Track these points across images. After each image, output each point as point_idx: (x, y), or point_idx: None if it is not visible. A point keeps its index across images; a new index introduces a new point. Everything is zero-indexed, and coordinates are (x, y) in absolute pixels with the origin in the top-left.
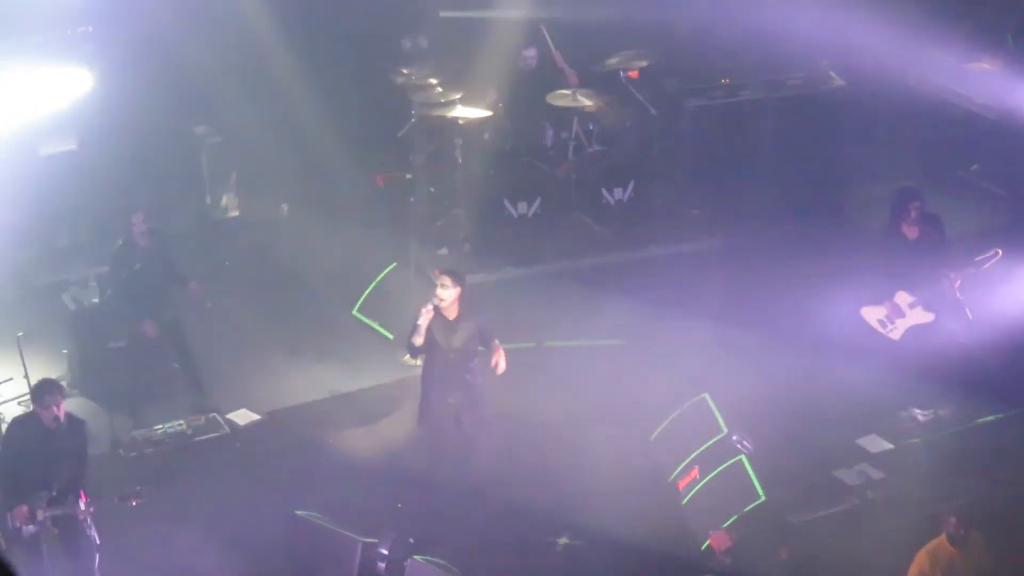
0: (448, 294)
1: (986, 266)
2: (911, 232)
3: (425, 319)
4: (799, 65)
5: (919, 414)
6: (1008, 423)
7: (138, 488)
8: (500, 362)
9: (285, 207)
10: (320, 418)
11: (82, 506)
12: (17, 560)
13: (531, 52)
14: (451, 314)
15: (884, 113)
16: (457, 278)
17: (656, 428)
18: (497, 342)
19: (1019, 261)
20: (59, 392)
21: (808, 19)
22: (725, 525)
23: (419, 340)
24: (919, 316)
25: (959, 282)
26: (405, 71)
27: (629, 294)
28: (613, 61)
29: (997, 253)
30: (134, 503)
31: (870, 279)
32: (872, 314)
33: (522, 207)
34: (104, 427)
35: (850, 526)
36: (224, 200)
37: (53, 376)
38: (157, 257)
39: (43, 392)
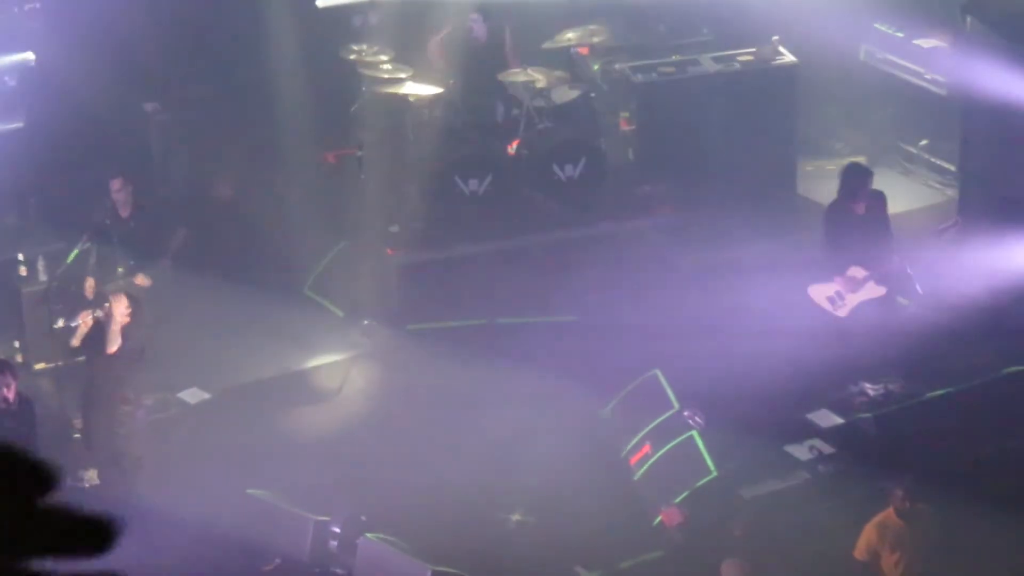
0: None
1: (947, 235)
2: (859, 208)
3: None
4: (749, 41)
5: (869, 388)
6: (958, 397)
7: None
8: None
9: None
10: (271, 396)
11: None
12: None
13: (476, 16)
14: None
15: (834, 88)
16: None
17: (608, 404)
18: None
19: (968, 236)
20: (11, 372)
21: None
22: (677, 501)
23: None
24: (871, 290)
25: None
26: (355, 47)
27: (581, 270)
28: (564, 37)
29: (957, 222)
30: (87, 485)
31: (819, 255)
32: (821, 291)
33: (473, 184)
34: (55, 408)
35: (801, 501)
36: (173, 178)
37: (1, 356)
38: (140, 230)
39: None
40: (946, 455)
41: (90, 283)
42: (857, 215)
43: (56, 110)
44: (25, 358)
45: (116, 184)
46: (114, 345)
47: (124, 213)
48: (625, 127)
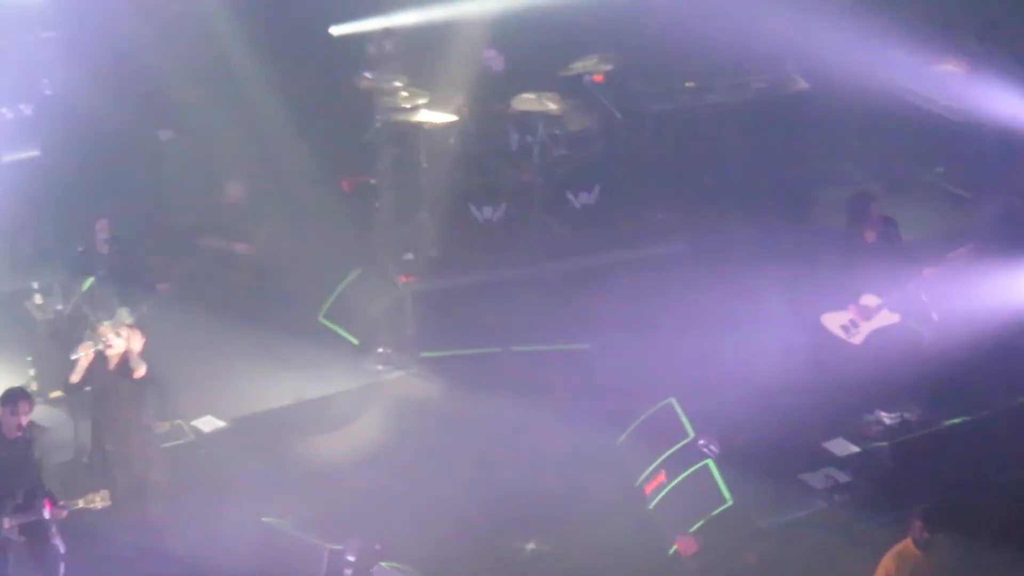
0: (120, 343)
1: (960, 262)
2: (869, 235)
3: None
4: (763, 68)
5: (885, 417)
6: (974, 425)
7: (102, 492)
8: None
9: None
10: (286, 424)
11: (47, 514)
12: None
13: (491, 53)
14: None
15: (848, 116)
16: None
17: (623, 432)
18: None
19: (984, 264)
20: (30, 400)
21: (772, 21)
22: (692, 530)
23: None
24: (885, 318)
25: (933, 273)
26: (369, 75)
27: (595, 299)
28: (578, 65)
29: (972, 248)
30: (99, 506)
31: (831, 283)
32: (834, 320)
33: (487, 211)
34: (69, 435)
35: (817, 530)
36: (188, 205)
37: (17, 384)
38: (119, 264)
39: (17, 398)
40: (963, 484)
41: (103, 328)
42: (867, 242)
43: (71, 138)
44: (40, 386)
45: (101, 225)
46: (141, 369)
47: (104, 251)
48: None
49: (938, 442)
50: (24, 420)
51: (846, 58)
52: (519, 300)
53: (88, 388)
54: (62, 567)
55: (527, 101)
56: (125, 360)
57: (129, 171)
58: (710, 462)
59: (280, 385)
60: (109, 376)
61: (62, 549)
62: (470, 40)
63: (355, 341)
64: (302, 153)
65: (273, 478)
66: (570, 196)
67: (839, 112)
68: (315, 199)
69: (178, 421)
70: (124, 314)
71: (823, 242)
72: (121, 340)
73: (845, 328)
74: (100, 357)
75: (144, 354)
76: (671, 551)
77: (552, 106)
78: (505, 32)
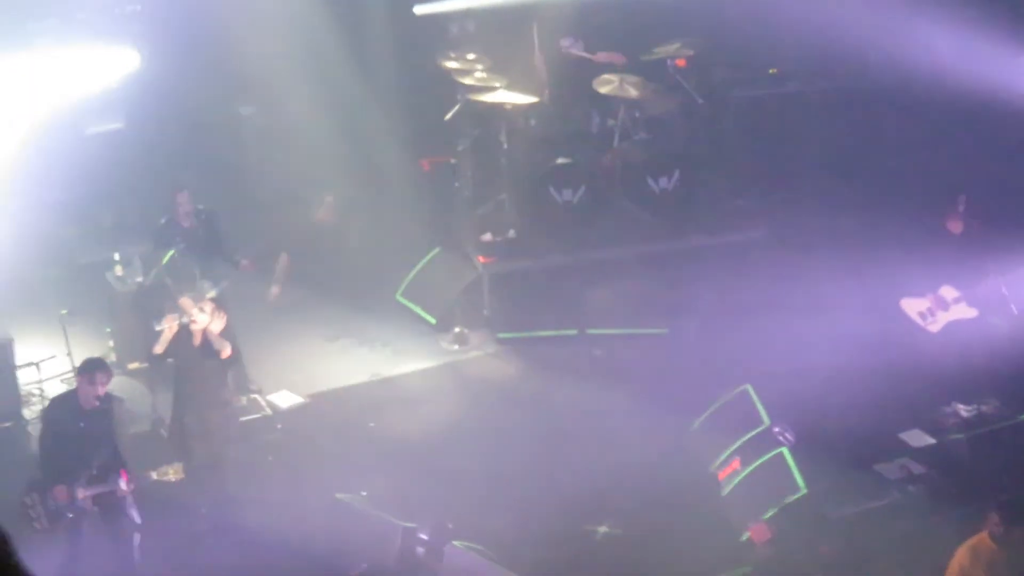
0: (203, 319)
1: None
2: (955, 227)
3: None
4: (848, 57)
5: (962, 409)
6: None
7: (176, 465)
8: None
9: (330, 198)
10: (362, 401)
11: (123, 485)
12: (58, 539)
13: (568, 42)
14: (197, 339)
15: (932, 108)
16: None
17: (698, 418)
18: None
19: None
20: (109, 371)
21: (857, 11)
22: (765, 517)
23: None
24: (962, 311)
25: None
26: (452, 55)
27: (673, 283)
28: (660, 50)
29: None
30: (173, 479)
31: (913, 273)
32: (912, 306)
33: (567, 194)
34: (147, 407)
35: (891, 521)
36: (268, 182)
37: (96, 355)
38: (201, 236)
39: (95, 368)
40: None
41: (185, 301)
42: (953, 233)
43: (155, 112)
44: (119, 357)
45: (183, 197)
46: (226, 349)
47: (186, 224)
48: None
49: (1015, 435)
50: (102, 391)
51: (932, 50)
52: (597, 283)
53: (170, 360)
54: (137, 538)
55: (608, 84)
56: (208, 339)
57: (210, 145)
58: (785, 450)
59: (357, 363)
60: (192, 351)
61: (138, 520)
62: (551, 22)
63: (432, 320)
64: (384, 131)
65: (348, 455)
66: (650, 180)
67: (923, 105)
68: (396, 177)
69: (255, 396)
70: (206, 287)
71: (907, 232)
72: (205, 315)
73: (922, 315)
74: (184, 331)
75: (226, 332)
76: (744, 538)
77: (633, 90)
78: (586, 15)
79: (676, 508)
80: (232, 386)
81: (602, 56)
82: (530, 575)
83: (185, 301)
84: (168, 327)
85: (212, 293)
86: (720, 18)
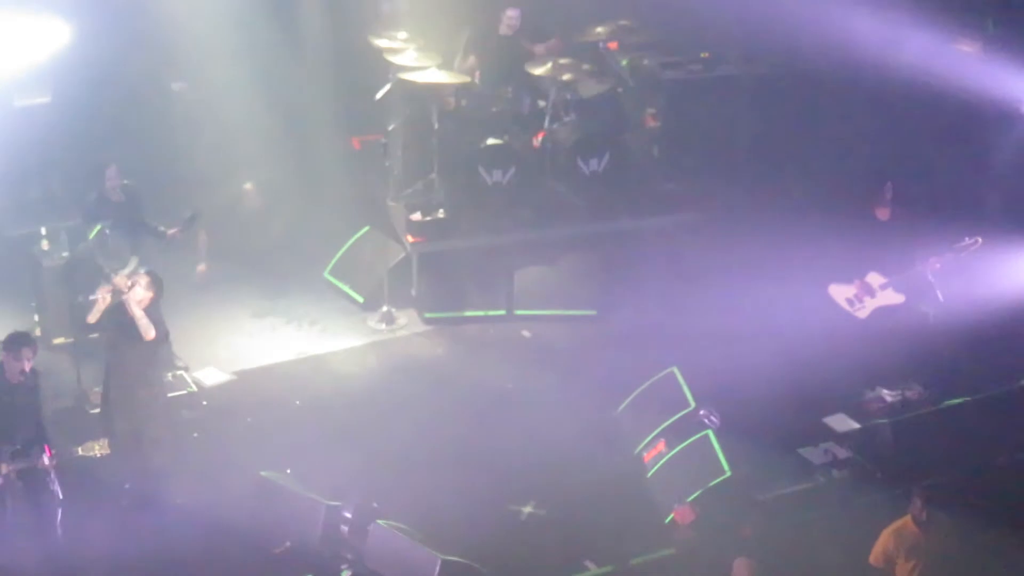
0: (139, 292)
1: (964, 253)
2: (883, 214)
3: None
4: (779, 42)
5: (887, 394)
6: (975, 406)
7: (102, 440)
8: None
9: (248, 186)
10: (288, 379)
11: (46, 460)
12: None
13: (514, 12)
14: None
15: (861, 94)
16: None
17: (624, 400)
18: None
19: (994, 248)
20: (34, 346)
21: None
22: (689, 499)
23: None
24: (889, 297)
25: (938, 266)
26: (383, 33)
27: (601, 265)
28: (595, 31)
29: (976, 241)
30: (98, 455)
31: (840, 259)
32: (840, 292)
33: (497, 175)
34: (71, 382)
35: (814, 504)
36: (197, 157)
37: (21, 329)
38: (129, 211)
39: (20, 343)
40: (963, 464)
41: (119, 279)
42: (880, 220)
43: (83, 86)
44: (44, 332)
45: (112, 171)
46: (151, 331)
47: (115, 198)
48: (651, 123)
49: (938, 421)
50: (27, 365)
51: (861, 35)
52: (525, 264)
53: (95, 336)
54: (60, 513)
55: (540, 65)
56: (122, 314)
57: (139, 120)
58: (710, 433)
59: (284, 340)
60: (123, 326)
61: (60, 495)
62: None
63: (360, 299)
64: (316, 109)
65: (273, 433)
66: (580, 162)
67: (852, 90)
68: (327, 155)
69: (181, 372)
70: (136, 262)
71: (835, 218)
72: (140, 289)
73: (850, 301)
74: (118, 304)
75: (153, 310)
76: (668, 520)
77: (565, 73)
78: None
79: (601, 489)
80: (162, 366)
81: (539, 48)
82: (454, 554)
83: (120, 279)
84: (102, 297)
85: (139, 268)
86: (652, 1)
